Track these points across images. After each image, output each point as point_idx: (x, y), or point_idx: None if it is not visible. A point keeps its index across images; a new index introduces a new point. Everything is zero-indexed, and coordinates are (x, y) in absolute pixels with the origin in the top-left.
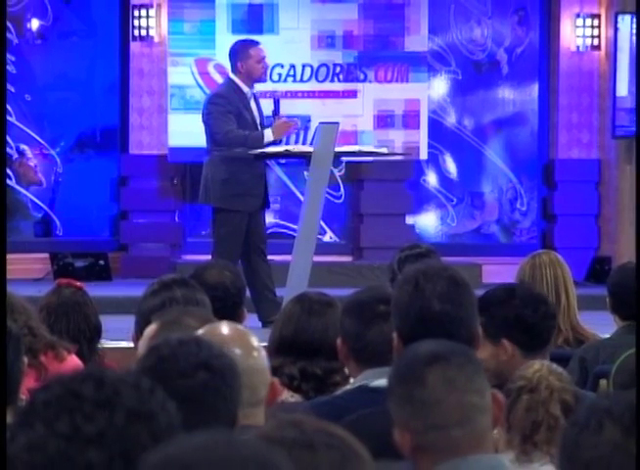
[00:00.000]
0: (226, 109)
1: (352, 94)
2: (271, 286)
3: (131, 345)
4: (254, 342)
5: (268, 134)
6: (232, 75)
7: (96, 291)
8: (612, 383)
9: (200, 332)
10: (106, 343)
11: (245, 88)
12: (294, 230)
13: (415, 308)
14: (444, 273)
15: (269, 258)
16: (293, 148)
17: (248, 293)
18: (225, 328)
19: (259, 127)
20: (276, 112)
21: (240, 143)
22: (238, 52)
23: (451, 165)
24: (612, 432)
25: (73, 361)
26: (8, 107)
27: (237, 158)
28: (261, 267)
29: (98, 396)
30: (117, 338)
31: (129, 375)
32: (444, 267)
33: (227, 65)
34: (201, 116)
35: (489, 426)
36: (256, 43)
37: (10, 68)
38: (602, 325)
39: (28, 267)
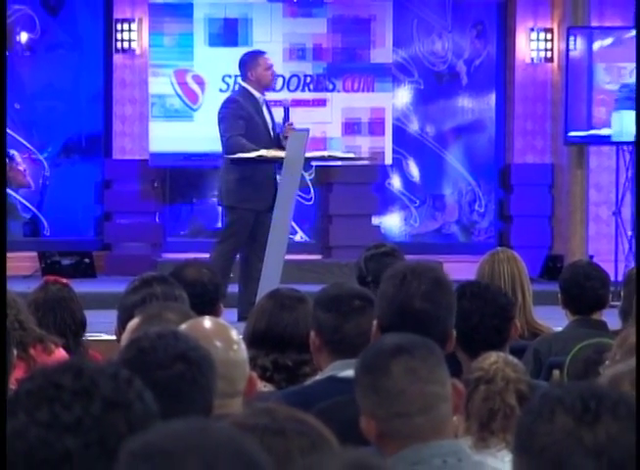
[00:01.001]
0: (237, 113)
1: (322, 103)
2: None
3: (114, 337)
4: (235, 336)
5: (264, 154)
6: (243, 83)
7: (81, 287)
8: (566, 373)
9: (183, 326)
10: (90, 336)
11: (256, 94)
12: None
13: (397, 302)
14: (430, 273)
15: None
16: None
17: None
18: (207, 322)
19: (271, 131)
20: (286, 119)
21: (235, 149)
22: (247, 62)
23: (414, 170)
24: (563, 420)
25: (60, 354)
26: None
27: (247, 159)
28: (255, 269)
29: (76, 385)
30: (101, 331)
31: (108, 366)
32: (431, 268)
33: (204, 76)
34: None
35: (450, 413)
36: (263, 53)
37: None
38: (554, 319)
39: (18, 265)
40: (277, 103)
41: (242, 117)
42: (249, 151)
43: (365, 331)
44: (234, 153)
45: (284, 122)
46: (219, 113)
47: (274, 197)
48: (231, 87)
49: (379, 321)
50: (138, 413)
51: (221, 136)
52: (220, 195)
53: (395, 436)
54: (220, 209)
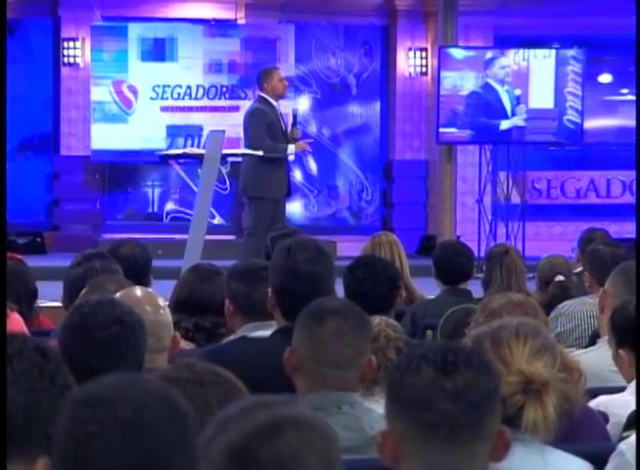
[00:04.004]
0: (264, 121)
1: (236, 109)
2: None
3: (60, 305)
4: (161, 302)
5: (291, 148)
6: (262, 94)
7: (33, 262)
8: (439, 333)
9: (118, 294)
10: (41, 303)
11: (273, 102)
12: (190, 215)
13: (286, 269)
14: (311, 244)
15: (172, 237)
16: (189, 150)
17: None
18: (139, 291)
19: (287, 133)
20: (295, 122)
21: (270, 150)
22: (264, 75)
23: (313, 165)
24: (427, 371)
25: (15, 317)
26: None
27: (268, 158)
28: None
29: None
30: (50, 299)
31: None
32: (312, 240)
33: (138, 86)
34: (242, 123)
35: (356, 378)
36: (276, 68)
37: None
38: (428, 289)
39: None
40: (184, 108)
41: (268, 124)
42: (277, 151)
43: None
44: (270, 153)
45: (292, 125)
46: (248, 120)
47: (288, 186)
48: (160, 95)
49: (272, 288)
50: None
51: (251, 139)
52: (244, 187)
53: (306, 375)
54: (245, 199)
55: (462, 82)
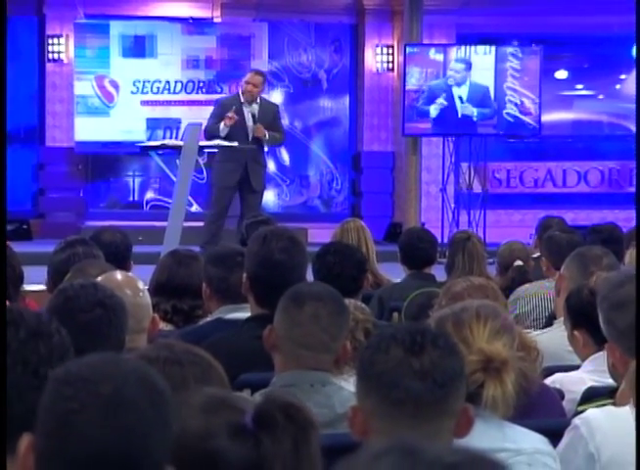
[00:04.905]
0: (218, 110)
1: (212, 103)
2: None
3: (45, 288)
4: (141, 285)
5: (223, 129)
6: (239, 89)
7: (20, 248)
8: (403, 315)
9: (100, 278)
10: (27, 286)
11: (242, 99)
12: (169, 203)
13: (260, 256)
14: (286, 234)
15: (152, 224)
16: (168, 142)
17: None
18: (119, 275)
19: (248, 130)
20: (254, 121)
21: (209, 131)
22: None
23: (285, 156)
24: (396, 351)
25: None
26: None
27: (224, 149)
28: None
29: (8, 317)
30: (35, 283)
31: (36, 311)
32: (286, 229)
33: (119, 80)
34: None
35: (330, 361)
36: (254, 70)
37: None
38: (394, 273)
39: None
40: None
41: (219, 114)
42: (212, 131)
43: None
44: (208, 133)
45: (254, 123)
46: None
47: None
48: (140, 90)
49: (247, 274)
50: (57, 343)
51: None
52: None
53: (284, 354)
54: None
55: (426, 78)
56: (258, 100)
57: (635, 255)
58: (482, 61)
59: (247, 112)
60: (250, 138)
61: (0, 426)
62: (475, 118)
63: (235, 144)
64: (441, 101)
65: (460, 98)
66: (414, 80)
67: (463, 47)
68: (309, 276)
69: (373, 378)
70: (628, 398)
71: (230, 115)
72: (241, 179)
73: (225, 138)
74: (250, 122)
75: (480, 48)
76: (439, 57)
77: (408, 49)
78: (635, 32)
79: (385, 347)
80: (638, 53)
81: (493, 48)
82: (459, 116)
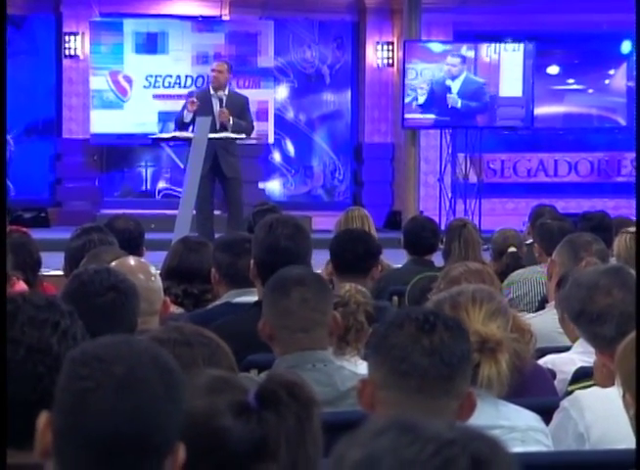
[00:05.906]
0: (185, 103)
1: None
2: None
3: (62, 273)
4: (152, 270)
5: (187, 116)
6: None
7: (38, 235)
8: (406, 298)
9: (113, 263)
10: (45, 271)
11: (211, 88)
12: (179, 192)
13: (267, 243)
14: (291, 221)
15: (163, 212)
16: (179, 134)
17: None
18: (132, 260)
19: (216, 117)
20: (221, 105)
21: (176, 122)
22: None
23: (290, 147)
24: (409, 327)
25: (21, 286)
26: None
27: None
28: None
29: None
30: (53, 268)
31: (55, 298)
32: (292, 217)
33: (132, 76)
34: None
35: (325, 336)
36: (219, 60)
37: None
38: (395, 259)
39: None
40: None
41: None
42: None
43: None
44: (176, 123)
45: (220, 107)
46: None
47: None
48: (152, 84)
49: (255, 260)
50: (67, 323)
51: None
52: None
53: (281, 342)
54: None
55: (424, 73)
56: (227, 91)
57: (623, 243)
58: (512, 57)
59: (214, 100)
60: (217, 126)
61: (0, 425)
62: (462, 109)
63: (190, 135)
64: (439, 94)
65: (457, 92)
66: (413, 75)
67: (465, 45)
68: (314, 261)
69: (385, 350)
70: (606, 379)
71: (191, 99)
72: (212, 168)
73: (191, 124)
74: (217, 108)
75: (510, 45)
76: (438, 48)
77: (407, 45)
78: (635, 31)
79: (399, 322)
80: (638, 51)
81: (522, 45)
82: (458, 106)
